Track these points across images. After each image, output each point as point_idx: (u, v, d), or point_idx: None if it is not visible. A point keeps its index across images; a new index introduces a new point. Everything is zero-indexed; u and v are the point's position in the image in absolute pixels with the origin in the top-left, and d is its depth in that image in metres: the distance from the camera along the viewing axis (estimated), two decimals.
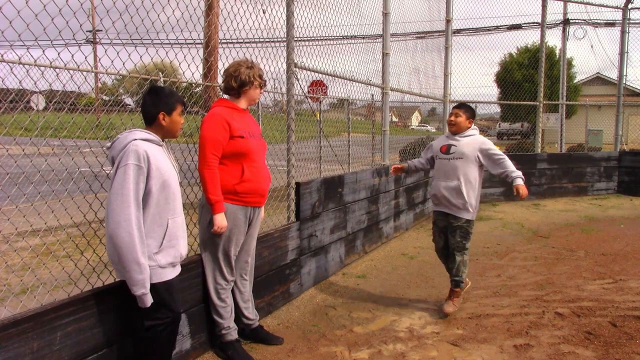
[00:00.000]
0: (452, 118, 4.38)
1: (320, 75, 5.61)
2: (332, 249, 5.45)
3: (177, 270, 2.83)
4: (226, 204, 3.34)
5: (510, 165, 4.22)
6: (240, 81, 3.44)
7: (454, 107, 4.44)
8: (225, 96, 3.58)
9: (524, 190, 4.03)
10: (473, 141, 4.35)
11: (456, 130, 4.39)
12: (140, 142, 2.63)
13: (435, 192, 4.42)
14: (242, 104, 3.51)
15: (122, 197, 2.51)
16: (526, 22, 16.58)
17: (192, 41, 4.52)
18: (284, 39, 4.64)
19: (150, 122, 2.80)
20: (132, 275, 2.52)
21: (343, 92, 7.46)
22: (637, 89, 19.68)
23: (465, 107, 4.43)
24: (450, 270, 4.43)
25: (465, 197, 4.25)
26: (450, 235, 4.38)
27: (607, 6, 12.70)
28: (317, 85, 7.23)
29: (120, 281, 2.71)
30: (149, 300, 2.59)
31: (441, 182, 4.36)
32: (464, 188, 4.26)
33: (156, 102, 2.78)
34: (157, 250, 2.65)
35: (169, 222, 2.70)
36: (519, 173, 4.18)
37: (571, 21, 16.17)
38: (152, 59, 3.88)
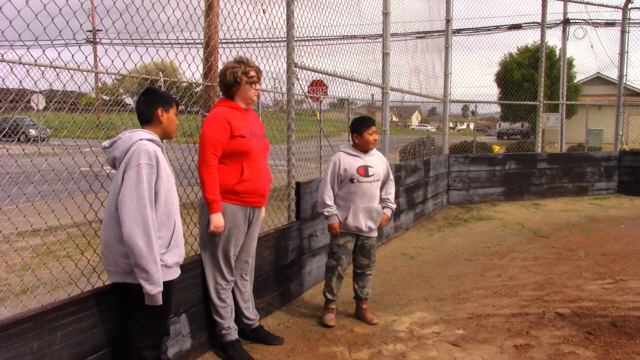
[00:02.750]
0: (377, 136, 4.18)
1: (320, 75, 5.61)
2: None
3: (179, 270, 2.83)
4: (225, 203, 3.34)
5: (392, 192, 4.32)
6: (225, 82, 3.43)
7: (373, 124, 4.19)
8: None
9: (385, 222, 4.26)
10: (381, 159, 4.28)
11: (372, 147, 4.23)
12: (147, 142, 2.61)
13: (356, 216, 4.12)
14: (240, 103, 3.49)
15: (137, 197, 2.50)
16: (526, 22, 16.59)
17: (192, 41, 4.52)
18: (284, 39, 4.64)
19: (148, 120, 2.76)
20: (152, 275, 2.51)
21: (343, 92, 7.46)
22: (637, 88, 19.69)
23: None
24: (362, 289, 4.28)
25: (381, 214, 4.25)
26: (362, 257, 4.26)
27: (607, 6, 12.72)
28: (317, 85, 7.23)
29: (117, 283, 2.70)
30: (160, 299, 2.58)
31: (363, 204, 4.12)
32: (380, 208, 4.24)
33: (153, 98, 2.77)
34: (165, 251, 2.65)
35: (175, 222, 2.71)
36: (393, 205, 4.32)
37: (571, 21, 16.19)
38: (152, 59, 3.89)
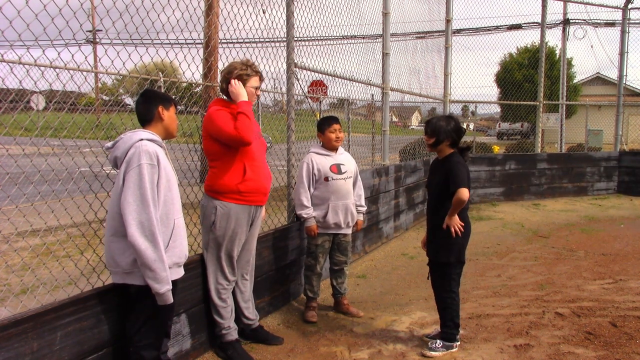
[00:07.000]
0: (340, 134, 4.25)
1: (320, 75, 5.61)
2: None
3: (182, 271, 2.82)
4: (230, 204, 3.35)
5: (362, 193, 4.50)
6: (227, 84, 3.43)
7: (335, 122, 4.25)
8: (224, 97, 3.57)
9: (359, 227, 4.51)
10: (351, 159, 4.43)
11: (339, 145, 4.33)
12: (147, 142, 2.62)
13: (335, 212, 4.21)
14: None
15: (140, 198, 2.50)
16: (526, 22, 16.57)
17: (192, 41, 4.52)
18: (284, 39, 4.64)
19: (149, 119, 2.77)
20: (159, 274, 2.51)
21: (343, 92, 7.46)
22: (637, 89, 19.68)
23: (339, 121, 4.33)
24: (341, 285, 4.45)
25: (356, 213, 4.41)
26: (339, 254, 4.40)
27: (607, 6, 12.71)
28: (317, 85, 7.23)
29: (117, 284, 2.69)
30: (171, 298, 2.58)
31: (340, 202, 4.22)
32: (354, 205, 4.39)
33: (152, 98, 2.78)
34: (164, 251, 2.65)
35: (175, 222, 2.71)
36: (364, 208, 4.52)
37: (571, 21, 16.17)
38: (152, 59, 3.89)
